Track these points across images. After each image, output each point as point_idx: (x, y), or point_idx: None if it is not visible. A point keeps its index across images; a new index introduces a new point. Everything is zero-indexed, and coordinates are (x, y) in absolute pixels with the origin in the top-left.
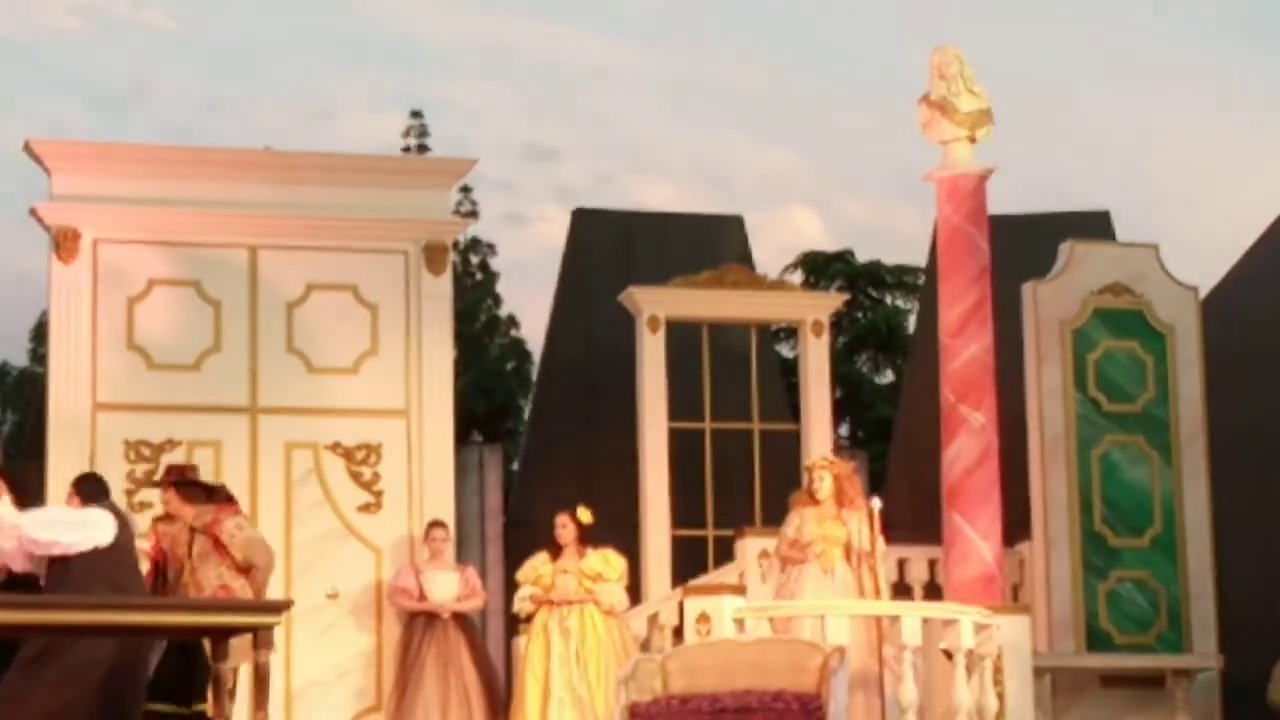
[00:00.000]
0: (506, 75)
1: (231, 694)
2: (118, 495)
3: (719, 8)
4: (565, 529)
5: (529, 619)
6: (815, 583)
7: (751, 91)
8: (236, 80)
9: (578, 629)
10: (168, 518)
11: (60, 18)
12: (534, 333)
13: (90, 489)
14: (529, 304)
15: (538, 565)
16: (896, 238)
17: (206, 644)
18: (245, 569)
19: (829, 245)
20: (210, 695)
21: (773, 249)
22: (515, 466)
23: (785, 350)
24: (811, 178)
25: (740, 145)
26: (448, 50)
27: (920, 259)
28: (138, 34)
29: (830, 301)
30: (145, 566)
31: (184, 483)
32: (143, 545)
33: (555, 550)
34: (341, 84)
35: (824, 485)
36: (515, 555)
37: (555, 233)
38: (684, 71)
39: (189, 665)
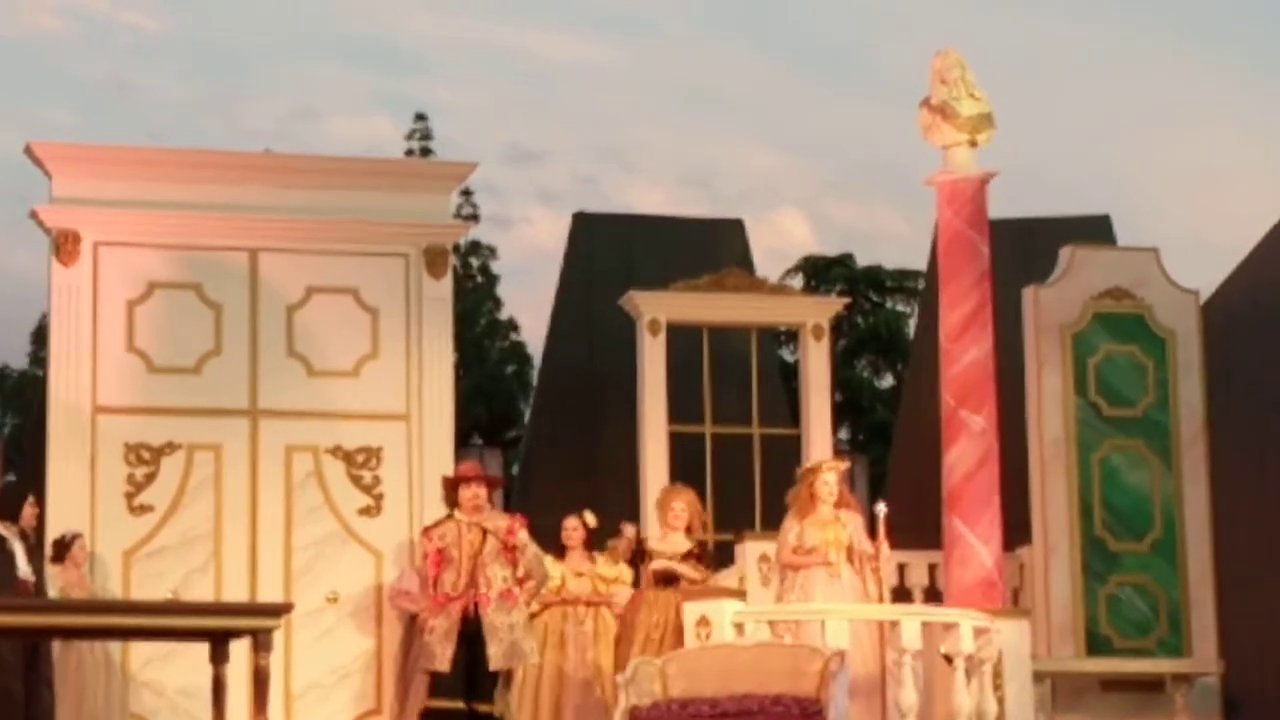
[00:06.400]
0: (489, 76)
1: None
2: (118, 499)
3: (706, 11)
4: (575, 532)
5: (533, 618)
6: (824, 587)
7: (739, 94)
8: (219, 81)
9: (592, 631)
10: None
11: (42, 18)
12: (528, 335)
13: None
14: (518, 307)
15: (549, 567)
16: (887, 241)
17: (489, 645)
18: (522, 579)
19: (817, 248)
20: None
21: (760, 251)
22: (515, 470)
23: (786, 354)
24: (799, 180)
25: (727, 147)
26: (433, 52)
27: (911, 261)
28: (120, 34)
29: (831, 306)
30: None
31: None
32: None
33: (558, 553)
34: (325, 85)
35: (833, 488)
36: None
37: (538, 235)
38: (670, 73)
39: (472, 664)
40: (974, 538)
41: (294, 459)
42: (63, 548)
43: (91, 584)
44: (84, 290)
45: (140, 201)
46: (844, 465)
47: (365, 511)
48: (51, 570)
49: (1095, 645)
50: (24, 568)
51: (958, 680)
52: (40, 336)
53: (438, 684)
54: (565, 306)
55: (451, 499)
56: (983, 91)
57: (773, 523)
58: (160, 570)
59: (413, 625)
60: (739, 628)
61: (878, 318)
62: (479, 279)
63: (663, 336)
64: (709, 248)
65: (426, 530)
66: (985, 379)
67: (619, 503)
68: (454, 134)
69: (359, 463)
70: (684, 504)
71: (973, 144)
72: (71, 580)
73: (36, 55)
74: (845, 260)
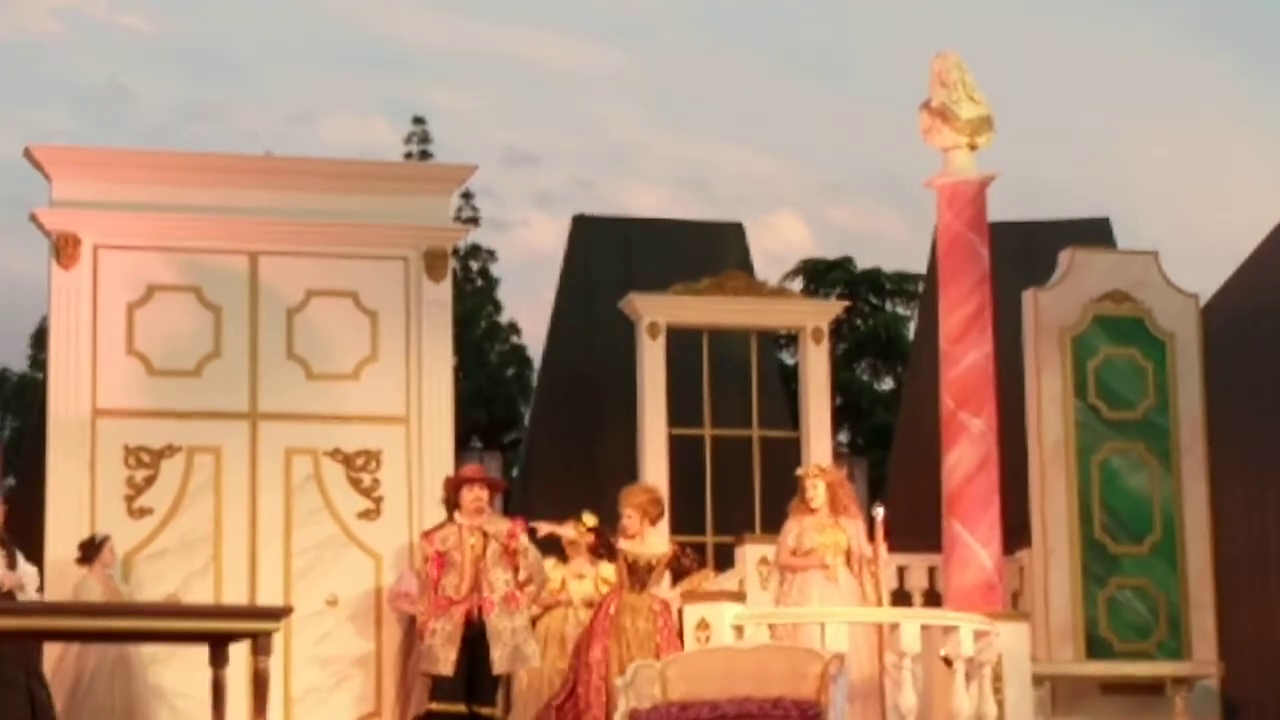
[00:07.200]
0: (485, 80)
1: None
2: (118, 502)
3: (703, 14)
4: (587, 537)
5: (533, 623)
6: (821, 590)
7: (735, 97)
8: (217, 84)
9: None
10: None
11: (40, 21)
12: (528, 339)
13: None
14: (518, 310)
15: (548, 570)
16: (886, 244)
17: (494, 649)
18: (524, 583)
19: (815, 251)
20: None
21: (756, 254)
22: (515, 473)
23: (785, 357)
24: (797, 184)
25: (724, 151)
26: (429, 56)
27: (911, 264)
28: (118, 37)
29: (830, 308)
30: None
31: None
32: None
33: (560, 555)
34: (322, 88)
35: (818, 494)
36: None
37: (536, 238)
38: (666, 76)
39: (473, 667)
40: (973, 540)
41: (293, 462)
42: (92, 549)
43: (118, 586)
44: (84, 293)
45: (140, 204)
46: (839, 472)
47: (365, 515)
48: (79, 572)
49: (1095, 648)
50: (1, 568)
51: (957, 683)
52: (40, 339)
53: (439, 687)
54: (565, 309)
55: (452, 500)
56: (982, 94)
57: (772, 526)
58: (160, 573)
59: (412, 628)
60: (739, 630)
61: (877, 320)
62: (479, 282)
63: (662, 339)
64: (708, 250)
65: (427, 533)
66: (985, 382)
67: (618, 505)
68: (450, 137)
69: (358, 466)
70: (630, 508)
71: (972, 147)
72: (100, 582)
73: (34, 58)
74: (844, 263)
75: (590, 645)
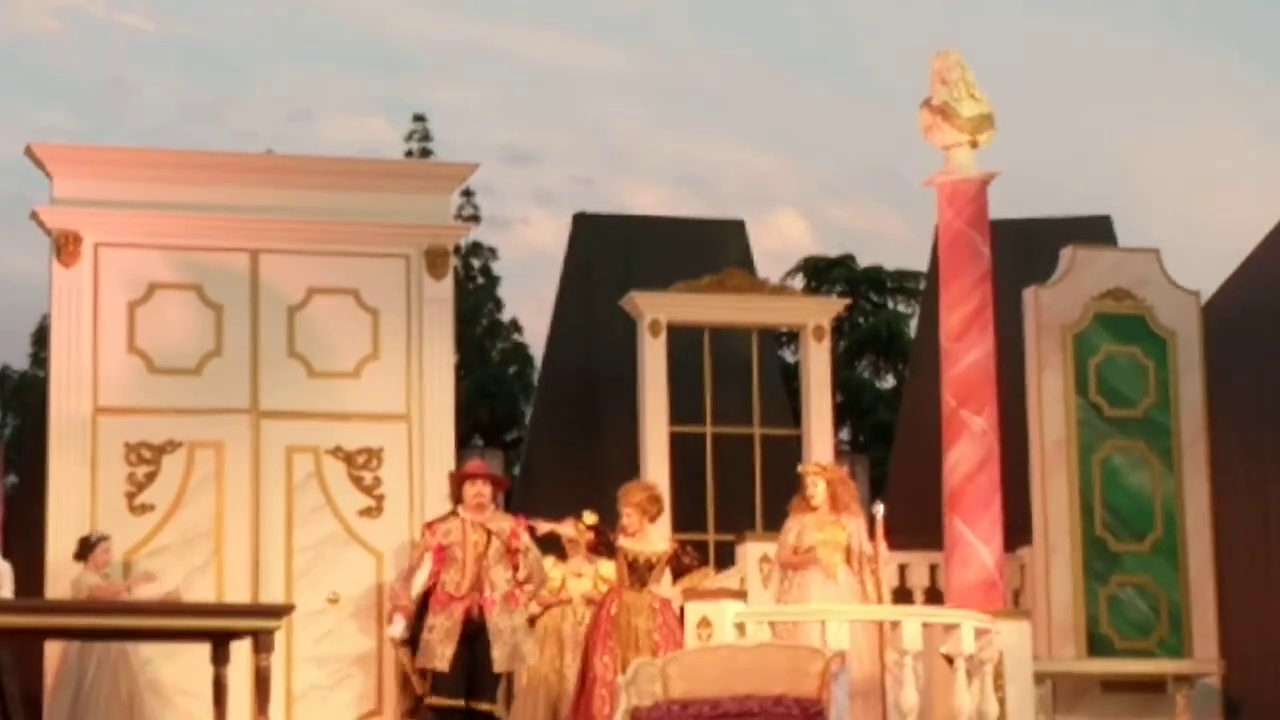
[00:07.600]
0: (485, 78)
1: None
2: (119, 500)
3: (702, 12)
4: (586, 535)
5: (532, 621)
6: (820, 588)
7: (735, 95)
8: (217, 82)
9: None
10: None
11: (39, 19)
12: (530, 336)
13: None
14: (519, 308)
15: (547, 569)
16: (886, 242)
17: (494, 648)
18: (523, 581)
19: (815, 249)
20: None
21: (757, 253)
22: (517, 471)
23: (787, 355)
24: (797, 182)
25: (724, 149)
26: (428, 54)
27: (912, 262)
28: (118, 35)
29: (832, 306)
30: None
31: None
32: None
33: (559, 554)
34: (322, 86)
35: (818, 491)
36: None
37: (537, 236)
38: (666, 74)
39: (473, 663)
40: (975, 538)
41: (295, 459)
42: (86, 548)
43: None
44: (85, 291)
45: (141, 202)
46: (839, 469)
47: (366, 512)
48: (78, 568)
49: (1096, 646)
50: None
51: (959, 681)
52: (41, 337)
53: (438, 682)
54: (566, 307)
55: (456, 495)
56: (983, 92)
57: (773, 524)
58: (161, 569)
59: (415, 625)
60: (740, 628)
61: (878, 318)
62: (480, 280)
63: (663, 337)
64: (710, 248)
65: (430, 524)
66: (986, 380)
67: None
68: (451, 135)
69: (360, 464)
70: (629, 507)
71: (973, 144)
72: (95, 582)
73: (34, 57)
74: (846, 261)
75: (595, 651)
